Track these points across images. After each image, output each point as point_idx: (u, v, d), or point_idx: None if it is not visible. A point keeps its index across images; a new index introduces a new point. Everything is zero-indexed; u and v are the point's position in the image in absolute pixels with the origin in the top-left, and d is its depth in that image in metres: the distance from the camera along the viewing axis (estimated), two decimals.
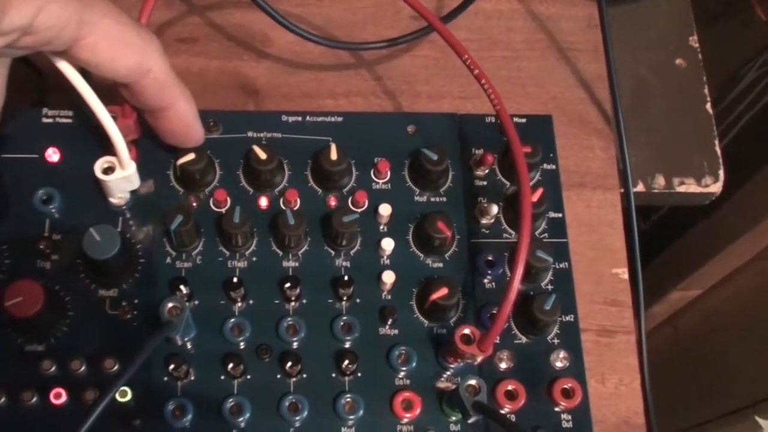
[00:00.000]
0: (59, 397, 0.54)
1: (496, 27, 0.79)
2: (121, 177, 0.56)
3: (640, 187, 0.76)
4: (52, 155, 0.59)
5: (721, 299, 1.27)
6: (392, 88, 0.75)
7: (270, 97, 0.74)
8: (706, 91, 0.80)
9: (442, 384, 0.57)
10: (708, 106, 0.80)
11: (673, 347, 1.40)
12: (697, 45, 0.82)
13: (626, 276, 0.70)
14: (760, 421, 1.17)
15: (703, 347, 1.33)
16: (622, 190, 0.74)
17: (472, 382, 0.54)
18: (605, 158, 0.74)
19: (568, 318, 0.60)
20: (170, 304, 0.53)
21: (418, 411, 0.56)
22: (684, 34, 0.83)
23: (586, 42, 0.79)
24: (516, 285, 0.52)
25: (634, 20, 0.83)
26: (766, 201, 1.02)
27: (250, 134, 0.62)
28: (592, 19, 0.79)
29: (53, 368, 0.54)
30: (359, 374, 0.57)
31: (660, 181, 0.76)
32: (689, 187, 0.76)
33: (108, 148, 0.56)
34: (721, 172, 0.77)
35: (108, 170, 0.56)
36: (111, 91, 0.65)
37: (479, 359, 0.55)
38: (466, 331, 0.55)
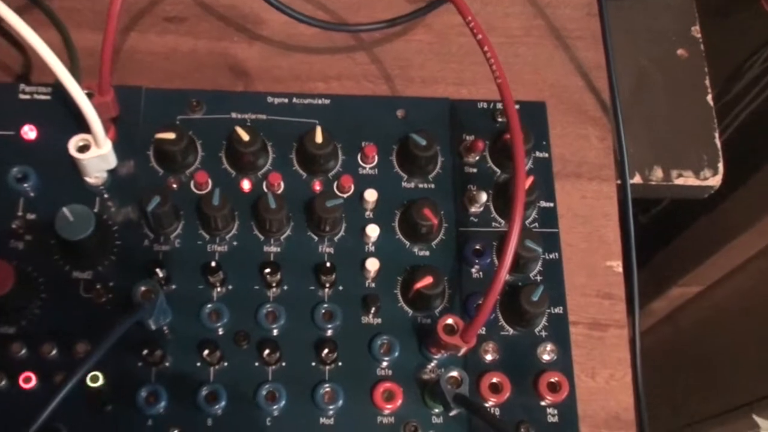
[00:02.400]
0: (29, 381, 0.52)
1: (493, 13, 0.77)
2: (97, 156, 0.54)
3: (637, 179, 0.74)
4: (29, 132, 0.58)
5: (721, 296, 1.25)
6: (385, 73, 0.73)
7: (260, 79, 0.72)
8: (707, 82, 0.78)
9: (425, 375, 0.56)
10: (709, 98, 0.78)
11: (672, 344, 1.39)
12: (699, 35, 0.80)
13: (620, 269, 0.68)
14: (758, 419, 1.15)
15: (703, 344, 1.31)
16: (619, 182, 0.72)
17: (454, 373, 0.52)
18: (602, 148, 0.72)
19: (556, 310, 0.58)
20: (143, 288, 0.51)
21: (399, 402, 0.54)
22: (686, 24, 0.81)
23: (586, 29, 0.77)
24: (503, 275, 0.50)
25: (635, 9, 0.81)
26: None
27: (234, 115, 0.61)
28: (592, 7, 0.77)
29: (23, 351, 0.53)
30: (340, 363, 0.55)
31: (658, 173, 0.74)
32: (687, 180, 0.74)
33: (85, 126, 0.54)
34: (721, 166, 0.75)
35: (83, 148, 0.54)
36: (95, 68, 0.64)
37: (463, 350, 0.54)
38: (450, 321, 0.53)
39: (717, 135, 0.76)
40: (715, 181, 0.75)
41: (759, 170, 1.01)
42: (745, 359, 1.19)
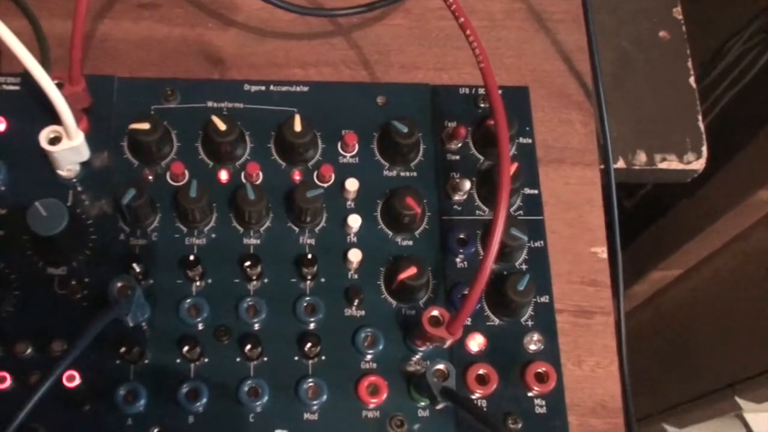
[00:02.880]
0: (3, 381, 0.51)
1: None
2: (68, 148, 0.53)
3: (620, 164, 0.73)
4: None
5: (702, 279, 1.25)
6: (364, 58, 0.72)
7: (236, 66, 0.71)
8: (689, 64, 0.78)
9: (410, 368, 0.55)
10: (692, 80, 0.77)
11: (653, 327, 1.39)
12: (681, 17, 0.79)
13: (605, 255, 0.67)
14: (741, 401, 1.15)
15: (684, 327, 1.31)
16: (602, 167, 0.71)
17: (441, 366, 0.51)
18: (585, 133, 0.71)
19: (542, 299, 0.57)
20: (119, 284, 0.50)
21: (384, 396, 0.53)
22: (668, 6, 0.80)
23: (567, 12, 0.76)
24: (489, 264, 0.49)
25: None
26: (750, 180, 1.00)
27: (210, 104, 0.59)
28: None
29: None
30: (323, 357, 0.54)
31: (641, 157, 0.73)
32: (671, 163, 0.74)
33: (57, 118, 0.52)
34: (704, 149, 0.74)
35: (54, 140, 0.53)
36: (66, 57, 0.62)
37: (449, 342, 0.53)
38: (435, 312, 0.52)
39: (700, 118, 0.75)
40: (699, 164, 0.74)
41: (739, 153, 1.00)
42: (727, 341, 1.19)
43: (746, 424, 1.21)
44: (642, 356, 1.32)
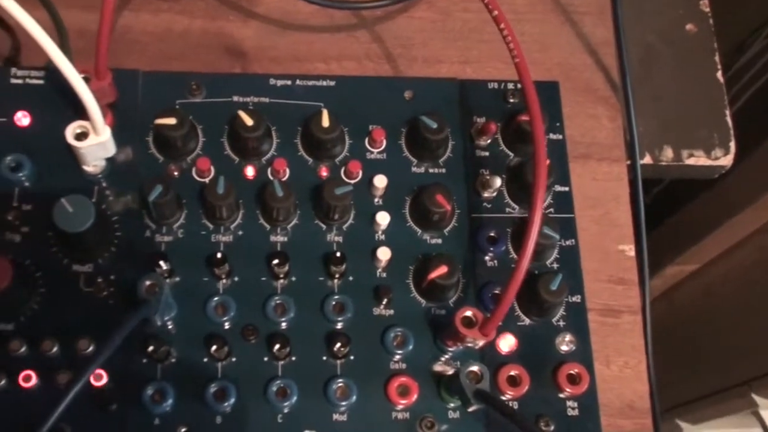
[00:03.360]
0: (29, 380, 0.50)
1: None
2: (95, 143, 0.52)
3: (647, 159, 0.72)
4: (22, 119, 0.55)
5: (718, 274, 1.24)
6: (387, 52, 0.71)
7: (257, 60, 0.70)
8: (716, 58, 0.76)
9: (439, 367, 0.54)
10: (719, 74, 0.76)
11: (668, 322, 1.38)
12: (708, 9, 0.78)
13: (632, 253, 0.66)
14: (757, 398, 1.14)
15: (699, 323, 1.30)
16: (629, 162, 0.70)
17: (474, 368, 0.51)
18: (612, 128, 0.70)
19: (574, 299, 0.56)
20: (148, 282, 0.49)
21: (414, 397, 0.52)
22: None
23: (591, 4, 0.75)
24: (525, 265, 0.48)
25: None
26: None
27: (235, 98, 0.58)
28: None
29: (23, 349, 0.51)
30: (352, 357, 0.53)
31: (668, 153, 0.72)
32: (698, 159, 0.72)
33: (82, 112, 0.52)
34: (732, 144, 0.73)
35: (81, 136, 0.52)
36: (86, 49, 0.61)
37: (481, 343, 0.52)
38: (468, 313, 0.51)
39: (728, 113, 0.74)
40: (727, 160, 0.73)
41: (759, 147, 0.99)
42: (743, 338, 1.18)
43: (762, 421, 1.20)
44: (655, 351, 1.32)
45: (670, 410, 1.37)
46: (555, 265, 0.57)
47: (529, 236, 0.48)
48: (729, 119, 0.74)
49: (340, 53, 0.70)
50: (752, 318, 1.15)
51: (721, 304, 1.25)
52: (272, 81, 0.59)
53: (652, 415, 0.63)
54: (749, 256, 1.16)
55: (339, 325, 0.54)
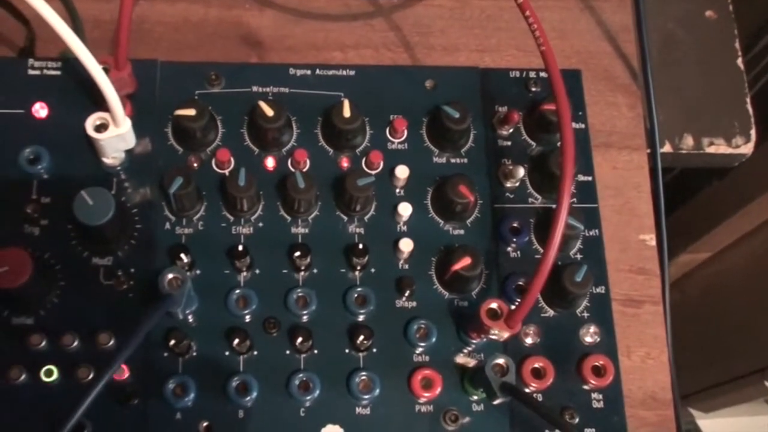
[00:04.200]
0: (50, 374, 0.50)
1: None
2: (115, 135, 0.51)
3: (667, 148, 0.71)
4: (40, 111, 0.54)
5: (731, 263, 1.24)
6: (405, 40, 0.70)
7: (274, 49, 0.69)
8: (737, 45, 0.75)
9: (461, 359, 0.53)
10: (739, 61, 0.75)
11: (679, 311, 1.37)
12: None
13: (653, 242, 0.65)
14: None
15: (711, 311, 1.30)
16: (649, 151, 0.69)
17: (500, 361, 0.50)
18: (632, 116, 0.69)
19: (598, 290, 0.56)
20: (170, 275, 0.48)
21: (438, 390, 0.52)
22: None
23: None
24: (551, 257, 0.47)
25: None
26: None
27: (255, 89, 0.58)
28: None
29: (43, 343, 0.50)
30: (375, 350, 0.53)
31: (688, 141, 0.71)
32: (719, 147, 0.72)
33: (100, 103, 0.51)
34: (753, 132, 0.72)
35: (100, 128, 0.51)
36: (100, 39, 0.60)
37: (506, 336, 0.51)
38: (493, 305, 0.51)
39: (748, 100, 0.73)
40: (747, 148, 0.72)
41: None
42: (755, 326, 1.17)
43: None
44: None
45: (683, 399, 1.36)
46: (579, 256, 0.56)
47: (555, 227, 0.47)
48: (750, 107, 0.73)
49: (357, 42, 0.70)
50: (764, 307, 1.14)
51: (733, 292, 1.25)
52: (292, 71, 0.59)
53: (674, 407, 0.63)
54: (762, 245, 1.15)
55: (361, 318, 0.53)
